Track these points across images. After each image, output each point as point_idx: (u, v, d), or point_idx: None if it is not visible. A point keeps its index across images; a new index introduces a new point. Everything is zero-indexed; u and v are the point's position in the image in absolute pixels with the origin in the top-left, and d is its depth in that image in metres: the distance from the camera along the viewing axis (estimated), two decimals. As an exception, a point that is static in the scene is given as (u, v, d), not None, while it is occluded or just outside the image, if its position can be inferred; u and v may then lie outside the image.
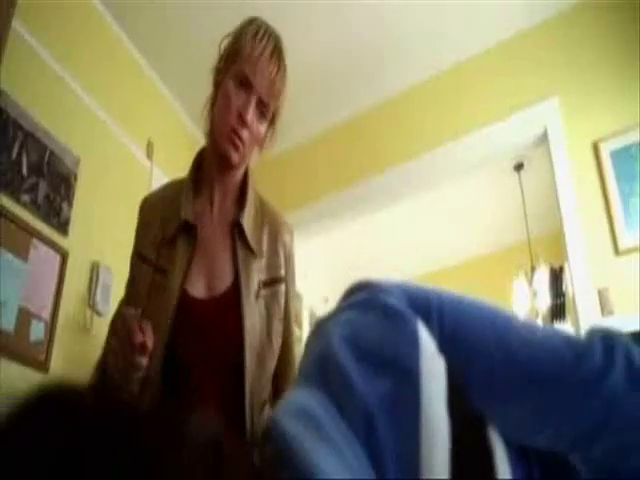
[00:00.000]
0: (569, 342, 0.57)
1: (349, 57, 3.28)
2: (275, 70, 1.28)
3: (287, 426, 0.49)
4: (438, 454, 0.48)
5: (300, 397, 0.55)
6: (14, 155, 2.26)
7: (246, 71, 1.27)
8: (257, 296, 1.28)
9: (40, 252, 2.31)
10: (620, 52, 2.69)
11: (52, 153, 2.46)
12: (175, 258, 1.27)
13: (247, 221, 1.34)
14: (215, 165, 1.36)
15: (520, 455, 0.54)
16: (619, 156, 2.56)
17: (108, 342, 1.17)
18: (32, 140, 2.36)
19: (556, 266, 4.24)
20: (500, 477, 0.50)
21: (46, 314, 2.30)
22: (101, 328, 2.62)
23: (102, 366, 1.17)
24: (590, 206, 2.59)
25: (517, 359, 0.55)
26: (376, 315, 0.58)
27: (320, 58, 3.27)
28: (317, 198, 3.55)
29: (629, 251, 2.43)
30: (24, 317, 2.18)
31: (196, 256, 1.28)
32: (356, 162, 3.50)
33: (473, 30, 3.11)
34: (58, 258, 2.41)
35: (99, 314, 2.60)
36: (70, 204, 2.53)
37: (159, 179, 3.30)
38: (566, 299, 4.16)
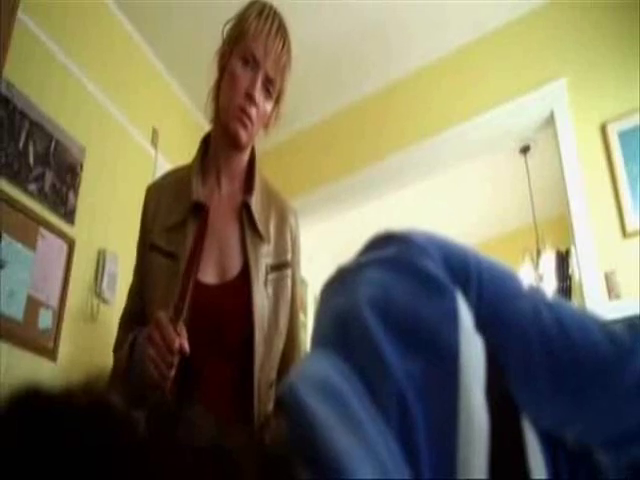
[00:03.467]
0: (611, 337, 0.51)
1: (354, 42, 3.26)
2: (281, 46, 1.30)
3: (307, 400, 0.42)
4: (476, 449, 0.44)
5: (319, 364, 0.48)
6: (21, 145, 2.27)
7: (252, 48, 1.28)
8: (265, 281, 1.29)
9: (47, 241, 2.32)
10: (628, 33, 2.65)
11: (58, 143, 2.46)
12: (185, 242, 1.26)
13: (255, 204, 1.34)
14: (222, 147, 1.36)
15: (548, 444, 0.49)
16: (627, 137, 2.54)
17: (132, 350, 1.17)
18: (38, 130, 2.36)
19: (562, 249, 4.22)
20: (533, 469, 0.45)
21: (54, 302, 2.31)
22: (107, 316, 2.64)
23: (122, 373, 1.17)
24: (597, 188, 2.57)
25: (554, 346, 0.50)
26: (410, 280, 0.50)
27: (325, 44, 3.25)
28: (322, 183, 3.54)
29: (637, 233, 2.41)
30: (32, 305, 2.20)
31: (206, 240, 1.28)
32: (362, 147, 3.48)
33: (479, 12, 3.08)
34: (65, 247, 2.42)
35: (105, 302, 2.62)
36: (76, 193, 2.53)
37: (164, 167, 3.30)
38: (572, 282, 4.15)
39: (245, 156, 1.39)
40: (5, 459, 0.28)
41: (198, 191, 1.31)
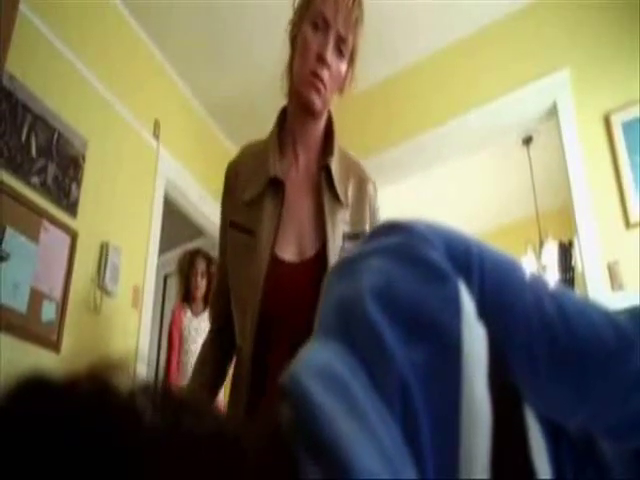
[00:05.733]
0: (615, 326, 0.51)
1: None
2: (351, 1, 1.28)
3: (311, 388, 0.42)
4: (479, 437, 0.44)
5: (322, 353, 0.48)
6: (23, 138, 2.27)
7: (322, 10, 1.26)
8: (342, 249, 1.27)
9: (50, 233, 2.32)
10: (632, 23, 2.63)
11: (60, 135, 2.46)
12: (263, 217, 1.25)
13: (334, 166, 1.31)
14: (297, 117, 1.34)
15: (550, 433, 0.49)
16: (630, 128, 2.53)
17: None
18: (41, 123, 2.36)
19: (565, 240, 4.22)
20: (535, 457, 0.46)
21: (57, 295, 2.32)
22: (110, 308, 2.65)
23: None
24: (600, 179, 2.56)
25: (557, 335, 0.50)
26: (413, 269, 0.50)
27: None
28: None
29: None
30: (36, 298, 2.20)
31: (284, 216, 1.27)
32: (366, 136, 3.47)
33: (481, 3, 3.06)
34: (68, 239, 2.42)
35: (108, 294, 2.63)
36: (79, 185, 2.53)
37: (165, 159, 3.30)
38: (575, 274, 4.14)
39: (321, 124, 1.36)
40: (9, 444, 0.28)
41: (275, 166, 1.29)
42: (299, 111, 1.33)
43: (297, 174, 1.33)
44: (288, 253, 1.25)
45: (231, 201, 1.35)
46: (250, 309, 1.22)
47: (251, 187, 1.30)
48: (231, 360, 1.38)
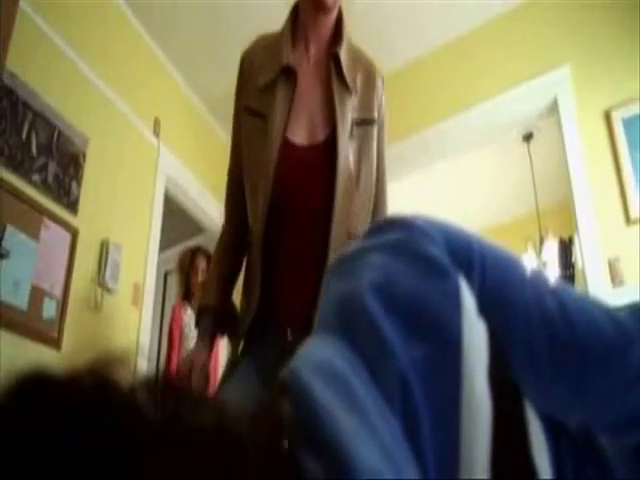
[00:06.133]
0: (615, 322, 0.51)
1: (359, 27, 3.23)
2: None
3: (311, 384, 0.42)
4: (479, 434, 0.43)
5: (323, 349, 0.48)
6: (24, 136, 2.26)
7: None
8: (351, 134, 1.32)
9: (51, 231, 2.33)
10: (632, 20, 2.63)
11: (61, 133, 2.46)
12: (275, 103, 1.30)
13: (343, 55, 1.36)
14: (309, 13, 1.38)
15: (551, 429, 0.49)
16: (631, 124, 2.52)
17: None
18: (41, 120, 2.36)
19: (565, 237, 4.21)
20: (535, 453, 0.45)
21: (58, 292, 2.32)
22: (111, 305, 2.65)
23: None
24: (601, 175, 2.56)
25: (557, 331, 0.49)
26: (414, 265, 0.50)
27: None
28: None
29: (640, 220, 2.41)
30: (36, 295, 2.21)
31: (295, 102, 1.32)
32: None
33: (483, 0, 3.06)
34: (68, 237, 2.42)
35: (109, 291, 2.63)
36: (79, 183, 2.53)
37: (166, 156, 3.30)
38: (575, 270, 4.14)
39: (332, 18, 1.40)
40: (10, 440, 0.28)
41: (287, 55, 1.34)
42: (311, 7, 1.37)
43: (308, 65, 1.39)
44: (299, 136, 1.31)
45: (246, 88, 1.41)
46: (262, 192, 1.27)
47: (265, 74, 1.35)
48: (245, 253, 1.43)
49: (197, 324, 1.40)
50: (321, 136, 1.31)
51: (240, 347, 1.31)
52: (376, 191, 1.38)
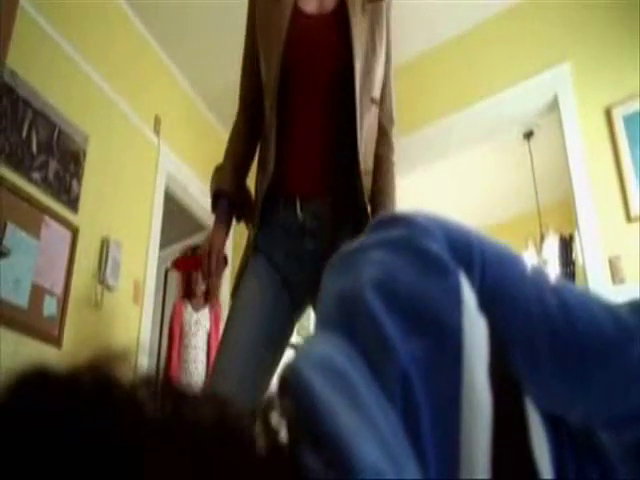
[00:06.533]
0: (615, 318, 0.51)
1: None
2: None
3: (312, 381, 0.41)
4: (479, 429, 0.43)
5: (323, 346, 0.47)
6: (24, 134, 2.26)
7: None
8: (363, 9, 1.38)
9: (51, 229, 2.33)
10: (632, 17, 2.62)
11: (61, 131, 2.46)
12: None
13: None
14: None
15: (551, 425, 0.49)
16: (632, 121, 2.52)
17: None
18: (42, 119, 2.36)
19: (566, 234, 4.21)
20: (535, 449, 0.45)
21: (58, 290, 2.32)
22: (111, 303, 2.65)
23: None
24: (601, 173, 2.56)
25: (558, 327, 0.50)
26: (414, 261, 0.50)
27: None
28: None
29: (641, 218, 2.41)
30: (37, 293, 2.21)
31: None
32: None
33: (482, -5, 3.05)
34: (69, 234, 2.42)
35: (109, 289, 2.63)
36: (79, 181, 2.54)
37: (166, 154, 3.30)
38: (576, 267, 4.14)
39: None
40: (10, 437, 0.28)
41: None
42: None
43: None
44: (309, 6, 1.38)
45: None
46: (275, 50, 1.32)
47: None
48: (259, 139, 1.48)
49: (213, 209, 1.46)
50: (330, 6, 1.38)
51: (254, 235, 1.35)
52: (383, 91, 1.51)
